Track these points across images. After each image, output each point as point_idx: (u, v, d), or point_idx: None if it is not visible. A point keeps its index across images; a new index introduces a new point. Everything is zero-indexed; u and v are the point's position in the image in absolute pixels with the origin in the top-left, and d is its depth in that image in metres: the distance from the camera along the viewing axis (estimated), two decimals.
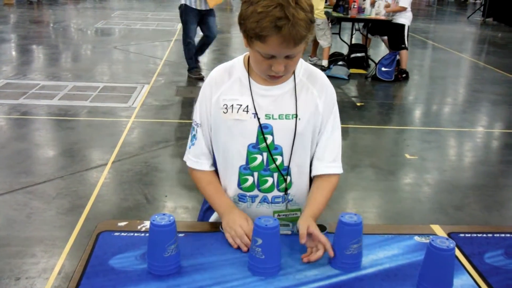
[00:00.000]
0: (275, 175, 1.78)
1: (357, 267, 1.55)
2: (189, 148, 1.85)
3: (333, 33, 8.93)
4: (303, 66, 1.79)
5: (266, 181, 1.78)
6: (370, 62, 9.29)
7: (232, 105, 1.73)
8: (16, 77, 7.59)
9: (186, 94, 7.05)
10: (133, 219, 1.79)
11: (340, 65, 8.45)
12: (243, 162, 1.77)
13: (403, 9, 8.21)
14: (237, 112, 1.73)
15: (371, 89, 8.07)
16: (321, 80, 1.80)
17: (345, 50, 9.55)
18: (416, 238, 1.73)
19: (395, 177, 4.81)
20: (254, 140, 1.74)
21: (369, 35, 9.37)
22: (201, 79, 7.84)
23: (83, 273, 1.47)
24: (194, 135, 1.84)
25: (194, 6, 7.60)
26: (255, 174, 1.78)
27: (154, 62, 9.06)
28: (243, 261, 1.54)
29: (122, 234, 1.69)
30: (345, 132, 5.86)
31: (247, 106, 1.73)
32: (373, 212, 4.12)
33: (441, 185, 4.67)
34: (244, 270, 1.51)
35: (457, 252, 1.64)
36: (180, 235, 1.63)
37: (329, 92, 1.80)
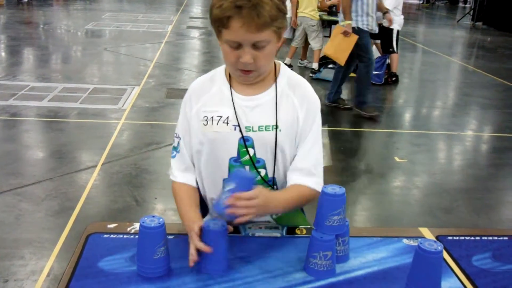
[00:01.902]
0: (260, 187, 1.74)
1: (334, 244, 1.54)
2: (171, 159, 1.82)
3: (324, 36, 8.95)
4: (286, 74, 1.75)
5: None
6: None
7: (212, 117, 1.69)
8: (5, 78, 7.55)
9: (176, 96, 7.04)
10: (123, 221, 1.79)
11: (331, 68, 8.45)
12: (226, 175, 1.73)
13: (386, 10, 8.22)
14: (217, 124, 1.68)
15: None
16: (304, 89, 1.74)
17: None
18: (405, 241, 1.74)
19: (384, 180, 4.82)
20: (235, 154, 1.70)
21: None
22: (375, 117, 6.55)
23: (72, 275, 1.47)
24: (175, 147, 1.80)
25: (365, 28, 6.39)
26: None
27: (144, 64, 9.04)
28: (233, 263, 1.54)
29: (112, 236, 1.68)
30: (334, 135, 5.88)
31: (227, 117, 1.68)
32: (362, 215, 4.13)
33: (430, 188, 4.69)
34: (233, 273, 1.51)
35: (445, 255, 1.65)
36: (170, 237, 1.63)
37: (311, 102, 1.74)
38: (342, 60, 6.44)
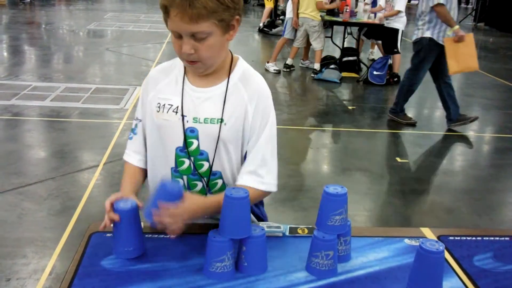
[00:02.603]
0: (205, 179, 1.75)
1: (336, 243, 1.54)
2: (128, 140, 1.86)
3: (325, 37, 8.95)
4: (242, 69, 1.75)
5: (196, 185, 1.76)
6: (362, 65, 9.33)
7: (164, 105, 1.71)
8: (8, 78, 7.57)
9: None
10: None
11: (332, 68, 8.47)
12: (173, 164, 1.75)
13: (398, 12, 8.25)
14: (167, 112, 1.70)
15: (363, 93, 8.09)
16: (256, 85, 1.73)
17: (337, 54, 9.58)
18: (406, 240, 1.74)
19: (386, 181, 4.83)
20: (181, 143, 1.71)
21: (363, 37, 9.40)
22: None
23: (75, 274, 1.48)
24: (133, 129, 1.84)
25: (441, 42, 5.85)
26: (185, 177, 1.76)
27: (146, 64, 9.05)
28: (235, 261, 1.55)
29: None
30: (336, 136, 5.89)
31: (177, 107, 1.69)
32: (364, 215, 4.13)
33: (431, 188, 4.70)
34: (236, 271, 1.52)
35: (447, 255, 1.66)
36: (166, 236, 1.65)
37: (263, 98, 1.72)
38: (475, 65, 6.02)
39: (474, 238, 1.79)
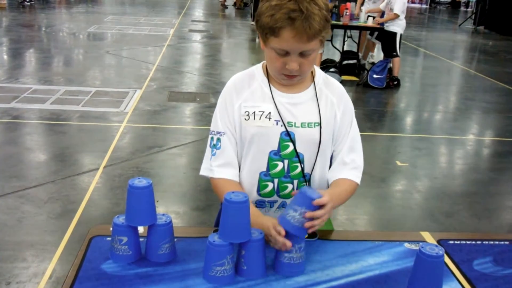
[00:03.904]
0: (295, 182, 1.79)
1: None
2: (210, 159, 1.79)
3: (326, 40, 8.94)
4: (322, 75, 1.82)
5: (286, 187, 1.80)
6: (362, 69, 9.35)
7: (254, 112, 1.74)
8: (8, 81, 7.57)
9: (178, 100, 7.05)
10: None
11: (332, 71, 8.48)
12: (264, 169, 1.78)
13: (396, 16, 8.26)
14: (259, 119, 1.74)
15: (363, 96, 8.10)
16: (339, 89, 1.83)
17: (337, 57, 9.59)
18: (406, 244, 1.75)
19: (386, 184, 4.83)
20: (275, 147, 1.75)
21: (374, 41, 9.40)
22: None
23: (76, 277, 1.48)
24: (214, 145, 1.79)
25: None
26: (275, 180, 1.78)
27: (146, 67, 9.06)
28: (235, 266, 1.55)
29: None
30: None
31: (270, 113, 1.73)
32: (364, 218, 4.14)
33: (431, 192, 4.70)
34: (237, 275, 1.52)
35: (446, 259, 1.66)
36: (174, 240, 1.65)
37: (348, 102, 1.82)
38: None
39: (473, 242, 1.80)
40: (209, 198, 4.10)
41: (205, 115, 6.43)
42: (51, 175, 4.47)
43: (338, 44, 10.13)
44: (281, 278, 1.52)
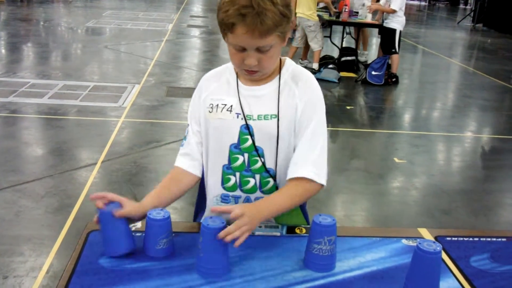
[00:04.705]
0: (257, 176, 1.77)
1: (326, 268, 1.55)
2: (180, 148, 1.87)
3: (324, 36, 8.95)
4: (291, 67, 1.79)
5: (248, 181, 1.78)
6: (360, 65, 9.35)
7: (217, 105, 1.76)
8: (6, 75, 7.56)
9: (176, 95, 7.05)
10: None
11: (331, 68, 8.48)
12: (226, 162, 1.78)
13: (393, 11, 8.25)
14: (221, 111, 1.75)
15: (361, 93, 8.10)
16: (306, 82, 1.78)
17: (335, 54, 9.58)
18: (404, 241, 1.75)
19: (383, 181, 4.83)
20: (235, 140, 1.75)
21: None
22: None
23: (73, 272, 1.48)
24: (185, 136, 1.86)
25: None
26: (237, 174, 1.78)
27: (144, 62, 9.05)
28: (233, 261, 1.55)
29: None
30: (334, 135, 5.89)
31: (231, 106, 1.74)
32: (361, 215, 4.14)
33: (429, 189, 4.70)
34: (234, 270, 1.52)
35: (444, 256, 1.66)
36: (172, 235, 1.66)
37: (313, 94, 1.76)
38: None
39: (471, 239, 1.80)
40: None
41: None
42: (48, 170, 4.46)
43: (337, 41, 10.12)
44: (278, 274, 1.52)
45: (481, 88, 8.96)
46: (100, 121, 5.81)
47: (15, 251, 3.26)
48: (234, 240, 1.48)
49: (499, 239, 1.81)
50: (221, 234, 1.46)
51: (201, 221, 1.51)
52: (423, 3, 29.31)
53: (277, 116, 1.72)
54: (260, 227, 1.75)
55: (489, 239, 1.80)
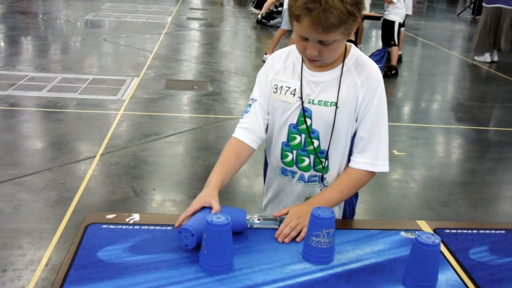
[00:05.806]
0: (312, 156, 1.86)
1: (324, 261, 1.56)
2: (240, 120, 1.92)
3: None
4: (355, 55, 1.81)
5: (303, 160, 1.88)
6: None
7: (282, 87, 1.84)
8: (4, 68, 7.54)
9: (175, 88, 7.04)
10: (121, 212, 1.79)
11: None
12: (285, 140, 1.88)
13: (390, 1, 8.23)
14: (285, 94, 1.83)
15: None
16: (368, 71, 1.79)
17: None
18: (402, 233, 1.75)
19: (382, 173, 4.80)
20: (295, 121, 1.84)
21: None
22: None
23: (71, 265, 1.47)
24: (246, 110, 1.92)
25: None
26: (294, 152, 1.88)
27: (144, 55, 9.02)
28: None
29: (111, 226, 1.69)
30: None
31: (295, 89, 1.82)
32: (360, 207, 4.12)
33: (428, 181, 4.70)
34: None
35: (442, 248, 1.66)
36: (169, 228, 1.66)
37: (374, 84, 1.79)
38: None
39: (470, 231, 1.80)
40: None
41: (202, 103, 6.42)
42: (47, 163, 4.46)
43: None
44: (277, 266, 1.52)
45: (481, 80, 8.95)
46: (99, 114, 5.80)
47: (14, 244, 3.26)
48: (235, 239, 1.53)
49: (498, 232, 1.81)
50: (279, 238, 1.65)
51: (206, 218, 1.50)
52: None
53: (336, 104, 1.77)
54: (258, 220, 1.75)
55: (488, 231, 1.80)
